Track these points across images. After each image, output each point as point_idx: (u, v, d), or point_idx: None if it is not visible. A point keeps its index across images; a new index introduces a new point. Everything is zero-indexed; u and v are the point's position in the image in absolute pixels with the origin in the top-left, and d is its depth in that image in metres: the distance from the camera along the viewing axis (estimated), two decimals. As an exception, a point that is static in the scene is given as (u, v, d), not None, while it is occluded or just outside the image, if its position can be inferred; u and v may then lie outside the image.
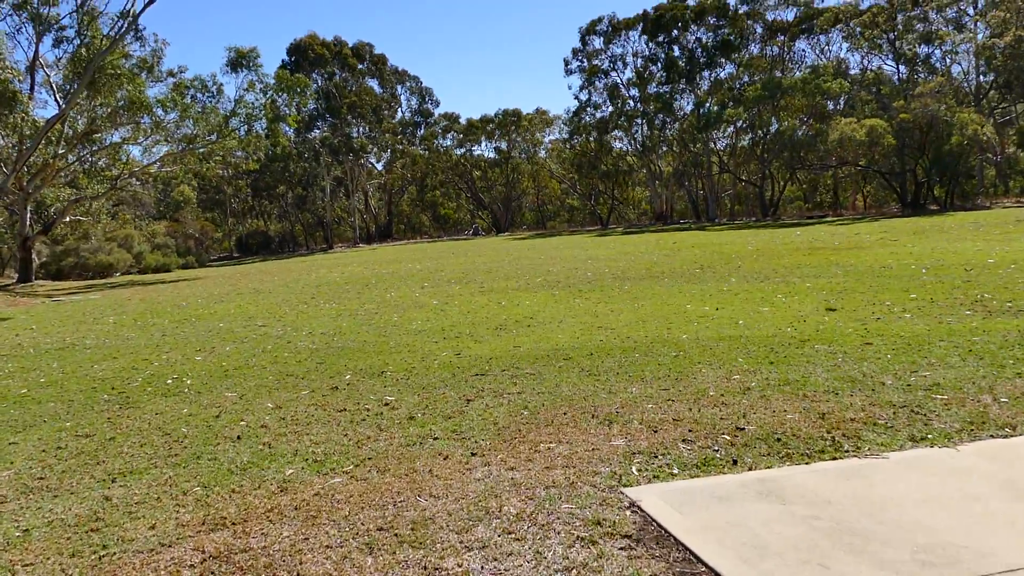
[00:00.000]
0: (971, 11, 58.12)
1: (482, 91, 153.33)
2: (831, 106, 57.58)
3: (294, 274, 32.42)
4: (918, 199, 49.63)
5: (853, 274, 16.36)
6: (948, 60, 57.20)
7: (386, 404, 7.51)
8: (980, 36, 55.74)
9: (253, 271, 39.34)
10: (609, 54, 66.18)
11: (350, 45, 71.93)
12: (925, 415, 5.94)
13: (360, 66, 73.41)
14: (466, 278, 22.87)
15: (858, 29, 57.34)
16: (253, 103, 41.70)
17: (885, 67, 60.91)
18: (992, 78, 56.34)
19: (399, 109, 79.66)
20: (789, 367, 7.86)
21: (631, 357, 8.98)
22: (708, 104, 60.03)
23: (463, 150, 77.82)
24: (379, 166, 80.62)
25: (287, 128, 50.15)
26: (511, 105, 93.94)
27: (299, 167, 66.59)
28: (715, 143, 64.61)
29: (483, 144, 78.14)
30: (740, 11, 61.24)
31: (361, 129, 73.14)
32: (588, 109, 67.16)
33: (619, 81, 66.20)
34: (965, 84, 57.92)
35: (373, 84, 75.62)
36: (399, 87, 79.10)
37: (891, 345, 8.60)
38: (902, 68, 57.82)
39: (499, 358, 9.57)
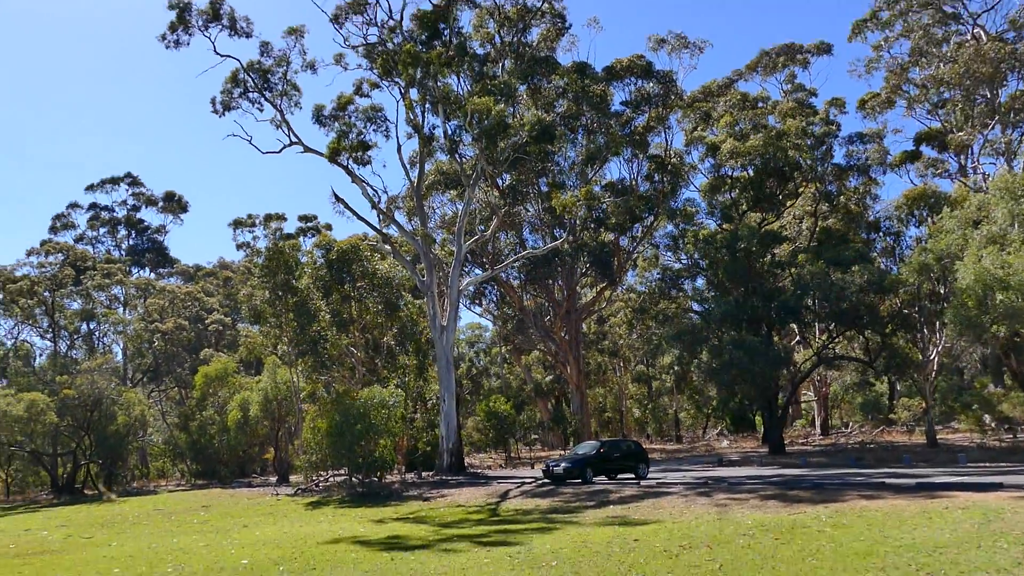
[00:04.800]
0: (121, 295, 59.00)
1: None
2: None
3: None
4: (73, 482, 44.82)
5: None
6: (109, 339, 56.11)
7: None
8: (132, 323, 56.19)
9: None
10: None
11: None
12: None
13: None
14: None
15: (2, 296, 52.24)
16: None
17: (38, 341, 56.57)
18: (144, 361, 57.12)
19: None
20: None
21: None
22: None
23: None
24: None
25: None
26: None
27: None
28: None
29: None
30: None
31: None
32: None
33: None
34: (122, 366, 57.25)
35: None
36: None
37: None
38: (62, 342, 54.18)
39: None
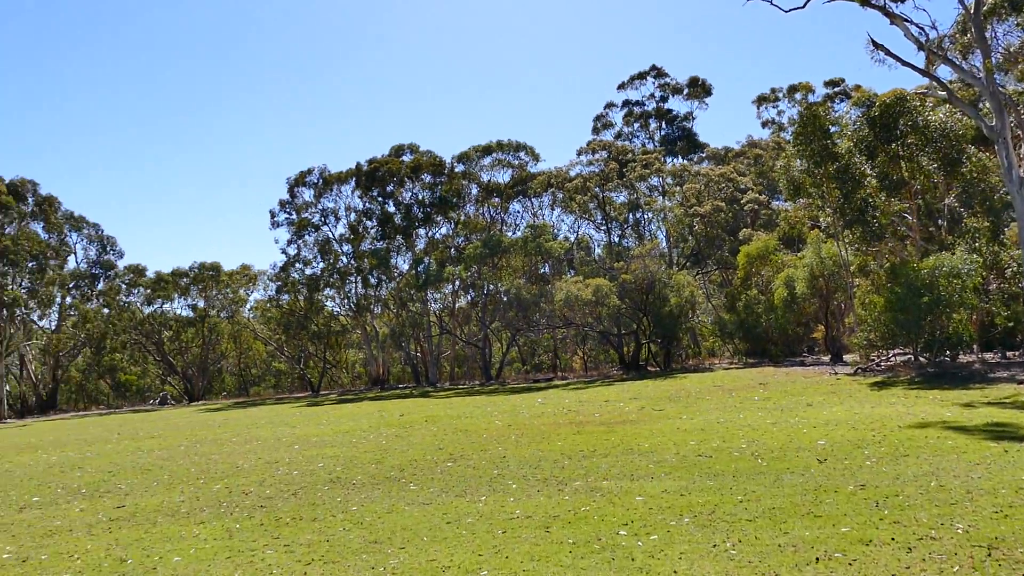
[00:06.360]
0: (659, 184, 61.70)
1: (177, 243, 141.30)
2: (543, 268, 57.08)
3: None
4: (637, 359, 48.99)
5: (676, 470, 11.93)
6: (654, 226, 59.69)
7: None
8: (672, 210, 58.60)
9: None
10: (320, 207, 61.64)
11: (6, 181, 60.60)
12: None
13: (21, 206, 61.89)
14: (106, 485, 15.40)
15: (561, 195, 58.54)
16: None
17: (593, 232, 62.74)
18: (686, 245, 59.45)
19: (72, 259, 68.15)
20: None
21: None
22: (427, 262, 56.97)
23: (153, 307, 67.67)
24: (49, 324, 67.41)
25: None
26: (210, 258, 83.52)
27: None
28: (433, 303, 61.41)
29: (176, 301, 68.54)
30: (456, 170, 60.11)
31: (19, 281, 60.84)
32: (297, 265, 61.47)
33: (331, 236, 61.57)
34: (667, 251, 60.53)
35: (37, 228, 64.02)
36: (73, 234, 67.94)
37: None
38: (614, 233, 59.27)
39: None
